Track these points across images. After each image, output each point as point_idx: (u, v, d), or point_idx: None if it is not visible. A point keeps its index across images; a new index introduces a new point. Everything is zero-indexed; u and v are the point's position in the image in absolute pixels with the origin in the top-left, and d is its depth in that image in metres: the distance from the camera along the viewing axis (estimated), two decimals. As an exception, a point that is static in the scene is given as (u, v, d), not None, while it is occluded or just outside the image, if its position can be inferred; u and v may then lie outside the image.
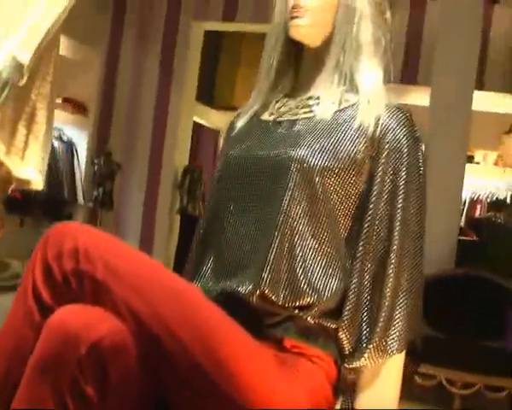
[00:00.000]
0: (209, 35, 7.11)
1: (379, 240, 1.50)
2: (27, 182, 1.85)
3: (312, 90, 1.62)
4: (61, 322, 1.22)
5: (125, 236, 6.79)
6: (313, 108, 1.58)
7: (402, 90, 5.88)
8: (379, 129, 1.51)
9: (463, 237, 5.36)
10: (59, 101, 6.21)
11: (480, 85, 5.49)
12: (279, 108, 1.64)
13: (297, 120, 1.59)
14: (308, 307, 1.45)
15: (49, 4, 1.70)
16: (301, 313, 1.45)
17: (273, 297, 1.43)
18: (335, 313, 1.48)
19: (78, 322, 1.21)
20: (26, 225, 6.23)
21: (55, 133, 6.32)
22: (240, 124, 1.67)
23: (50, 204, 6.24)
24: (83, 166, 6.57)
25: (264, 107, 1.67)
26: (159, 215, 6.79)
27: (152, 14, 6.79)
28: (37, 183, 1.85)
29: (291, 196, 1.46)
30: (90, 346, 1.19)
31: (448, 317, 4.35)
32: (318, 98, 1.59)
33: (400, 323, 1.47)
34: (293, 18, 1.57)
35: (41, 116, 1.81)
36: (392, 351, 1.47)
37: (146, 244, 6.75)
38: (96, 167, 6.61)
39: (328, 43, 1.59)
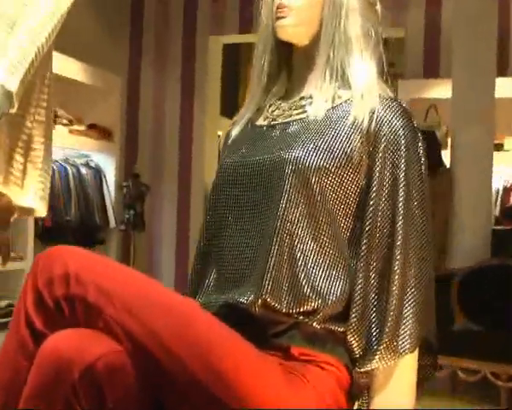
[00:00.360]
0: (228, 48, 7.11)
1: (382, 237, 1.45)
2: (30, 210, 1.83)
3: (305, 90, 1.58)
4: (53, 348, 1.20)
5: (160, 255, 6.81)
6: (306, 108, 1.55)
7: (424, 84, 5.82)
8: (374, 122, 1.47)
9: (498, 227, 5.26)
10: (83, 128, 6.26)
11: (504, 72, 5.38)
12: (273, 111, 1.60)
13: (291, 121, 1.55)
14: (313, 313, 1.41)
15: (38, 24, 1.68)
16: (306, 319, 1.41)
17: (276, 305, 1.39)
18: (342, 315, 1.43)
19: (71, 346, 1.19)
20: (61, 253, 6.25)
21: (82, 160, 6.37)
22: (235, 132, 1.65)
23: (83, 231, 6.27)
24: (112, 190, 6.59)
25: (259, 112, 1.64)
26: (192, 232, 6.79)
27: (169, 34, 6.81)
28: (40, 210, 1.83)
29: (287, 199, 1.42)
30: (83, 370, 1.17)
31: (487, 309, 4.25)
32: (311, 97, 1.55)
33: (410, 321, 1.42)
34: (278, 18, 1.54)
35: (38, 143, 1.80)
36: (403, 351, 1.41)
37: (181, 261, 6.76)
38: (125, 190, 6.63)
39: (316, 40, 1.55)
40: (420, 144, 1.50)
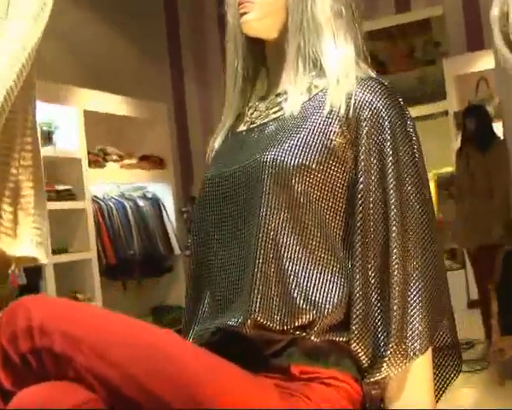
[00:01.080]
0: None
1: (377, 231, 1.31)
2: (29, 259, 1.76)
3: (280, 86, 1.46)
4: (20, 405, 1.12)
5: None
6: (282, 105, 1.43)
7: (470, 58, 5.61)
8: (353, 107, 1.33)
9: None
10: (134, 161, 6.26)
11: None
12: (251, 114, 1.49)
13: (268, 122, 1.44)
14: (309, 325, 1.28)
15: (4, 68, 1.61)
16: (304, 334, 1.28)
17: (268, 323, 1.27)
18: (344, 324, 1.30)
19: (39, 402, 1.11)
20: (129, 287, 6.29)
21: (139, 193, 6.38)
22: (217, 144, 1.54)
23: (148, 262, 6.28)
24: (172, 217, 6.58)
25: (239, 118, 1.53)
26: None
27: (206, 49, 6.79)
28: (41, 257, 1.76)
29: (267, 205, 1.30)
30: None
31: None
32: (286, 93, 1.43)
33: (418, 318, 1.27)
34: (242, 14, 1.44)
35: (27, 189, 1.73)
36: (414, 353, 1.27)
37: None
38: (185, 216, 6.62)
39: (285, 32, 1.43)
40: (409, 123, 1.35)
